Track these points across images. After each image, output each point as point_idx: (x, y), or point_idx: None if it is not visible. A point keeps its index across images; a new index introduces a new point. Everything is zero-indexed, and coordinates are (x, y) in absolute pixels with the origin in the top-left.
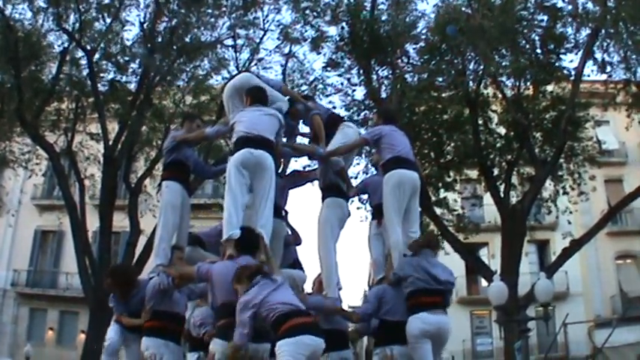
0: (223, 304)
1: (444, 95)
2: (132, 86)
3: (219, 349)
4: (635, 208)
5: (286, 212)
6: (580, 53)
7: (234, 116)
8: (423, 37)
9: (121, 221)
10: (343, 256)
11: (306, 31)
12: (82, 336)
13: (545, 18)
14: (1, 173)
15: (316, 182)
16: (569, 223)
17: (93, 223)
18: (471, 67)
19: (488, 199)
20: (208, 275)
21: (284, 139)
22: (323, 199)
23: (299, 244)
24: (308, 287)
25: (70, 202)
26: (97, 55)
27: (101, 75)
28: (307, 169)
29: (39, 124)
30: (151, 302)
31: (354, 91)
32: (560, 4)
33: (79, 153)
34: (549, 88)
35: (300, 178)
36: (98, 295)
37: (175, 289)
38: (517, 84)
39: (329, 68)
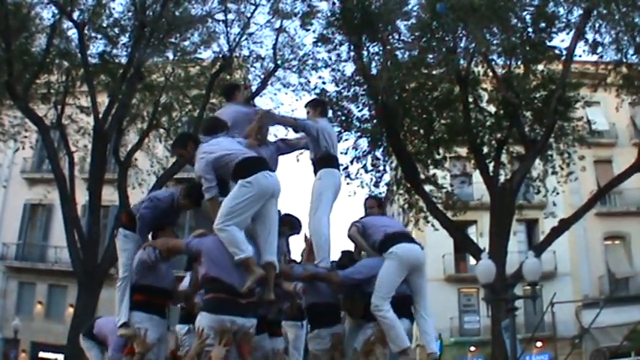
0: (213, 279)
1: (434, 72)
2: (122, 60)
3: (205, 322)
4: (624, 189)
5: None
6: (571, 33)
7: (212, 150)
8: (415, 13)
9: (110, 195)
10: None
11: (296, 6)
12: (71, 310)
13: None
14: None
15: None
16: (555, 204)
17: (82, 196)
18: (461, 44)
19: (477, 177)
20: (199, 250)
21: None
22: (316, 170)
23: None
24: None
25: (60, 175)
26: (86, 28)
27: (91, 48)
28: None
29: (29, 96)
30: (137, 276)
31: (344, 66)
32: None
33: (69, 126)
34: (540, 67)
35: (287, 146)
36: (87, 269)
37: (163, 262)
38: (508, 62)
39: (319, 43)
